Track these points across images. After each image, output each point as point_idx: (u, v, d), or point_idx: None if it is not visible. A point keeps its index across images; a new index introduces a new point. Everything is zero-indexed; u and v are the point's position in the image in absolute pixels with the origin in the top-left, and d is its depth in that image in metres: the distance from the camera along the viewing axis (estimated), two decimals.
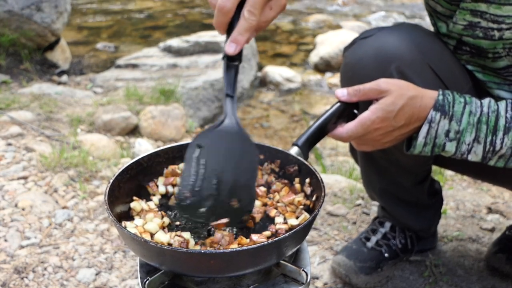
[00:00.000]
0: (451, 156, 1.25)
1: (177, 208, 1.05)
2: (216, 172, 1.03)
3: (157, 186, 1.20)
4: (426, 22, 5.80)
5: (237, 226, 1.04)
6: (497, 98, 1.38)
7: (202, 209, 1.01)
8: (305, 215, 1.09)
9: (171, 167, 1.22)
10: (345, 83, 1.45)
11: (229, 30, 1.05)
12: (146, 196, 1.20)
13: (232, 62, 1.06)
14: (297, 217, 1.11)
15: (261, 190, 1.18)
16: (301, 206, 1.14)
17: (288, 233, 0.95)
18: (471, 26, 1.31)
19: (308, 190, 1.16)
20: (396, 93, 1.17)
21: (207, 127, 1.05)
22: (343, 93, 1.21)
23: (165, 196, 1.20)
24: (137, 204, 1.13)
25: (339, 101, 1.22)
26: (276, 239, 0.94)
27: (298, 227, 0.97)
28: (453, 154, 1.24)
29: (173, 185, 1.21)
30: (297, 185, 1.18)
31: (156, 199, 1.18)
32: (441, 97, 1.19)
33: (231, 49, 1.03)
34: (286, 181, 1.20)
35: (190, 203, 1.01)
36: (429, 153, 1.24)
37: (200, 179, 1.02)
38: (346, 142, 1.26)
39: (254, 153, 1.04)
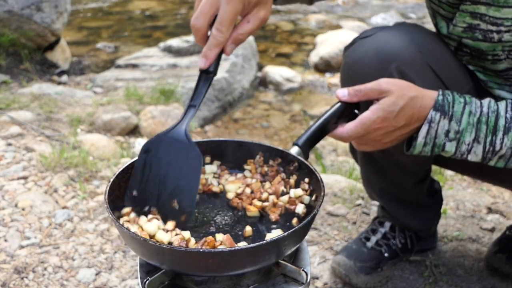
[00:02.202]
0: (451, 156, 1.25)
1: (126, 205, 1.14)
2: (160, 175, 1.12)
3: None
4: (426, 22, 5.80)
5: (180, 226, 1.09)
6: (498, 98, 1.38)
7: (147, 207, 1.12)
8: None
9: None
10: (345, 83, 1.45)
11: None
12: None
13: (206, 75, 1.14)
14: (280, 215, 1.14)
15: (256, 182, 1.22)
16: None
17: (287, 233, 0.95)
18: (471, 28, 1.31)
19: (306, 186, 1.17)
20: (397, 93, 1.16)
21: (159, 132, 1.14)
22: (344, 93, 1.21)
23: None
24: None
25: (340, 101, 1.22)
26: (275, 238, 0.94)
27: (297, 227, 0.97)
28: (453, 154, 1.24)
29: None
30: (292, 181, 1.20)
31: None
32: (440, 97, 1.19)
33: (201, 63, 1.12)
34: (281, 169, 1.22)
35: (137, 200, 1.13)
36: (429, 153, 1.24)
37: (145, 180, 1.13)
38: (347, 142, 1.26)
39: (197, 161, 1.10)
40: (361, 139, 1.22)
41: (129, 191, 1.14)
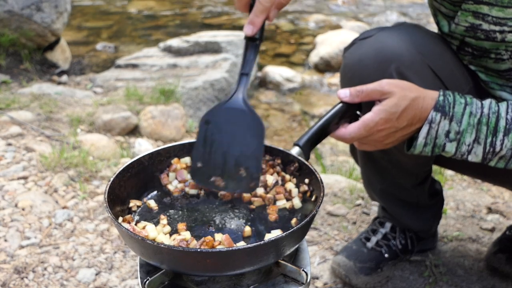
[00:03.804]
0: (451, 157, 1.25)
1: (192, 177, 1.17)
2: (223, 144, 1.14)
3: (168, 175, 1.23)
4: (427, 22, 5.80)
5: (247, 192, 1.14)
6: (499, 99, 1.38)
7: (213, 178, 1.14)
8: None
9: (176, 159, 1.24)
10: (344, 83, 1.44)
11: (251, 10, 1.13)
12: (146, 195, 1.20)
13: (252, 42, 1.14)
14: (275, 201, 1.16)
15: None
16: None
17: (285, 233, 0.95)
18: (473, 28, 1.30)
19: (305, 187, 1.17)
20: (399, 95, 1.16)
21: (216, 104, 1.16)
22: (346, 93, 1.20)
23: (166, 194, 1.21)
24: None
25: (341, 102, 1.22)
26: (273, 238, 0.94)
27: (295, 227, 0.97)
28: (453, 154, 1.24)
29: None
30: (287, 177, 1.20)
31: (152, 202, 1.18)
32: (441, 98, 1.19)
33: (248, 30, 1.13)
34: (276, 162, 1.22)
35: (202, 172, 1.15)
36: (429, 153, 1.24)
37: (208, 152, 1.14)
38: (349, 143, 1.26)
39: (259, 126, 1.12)
40: (363, 139, 1.22)
41: (193, 162, 1.16)
